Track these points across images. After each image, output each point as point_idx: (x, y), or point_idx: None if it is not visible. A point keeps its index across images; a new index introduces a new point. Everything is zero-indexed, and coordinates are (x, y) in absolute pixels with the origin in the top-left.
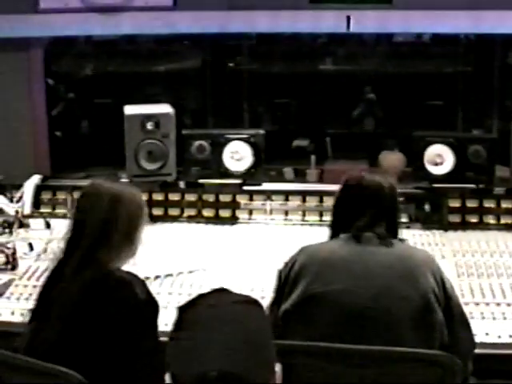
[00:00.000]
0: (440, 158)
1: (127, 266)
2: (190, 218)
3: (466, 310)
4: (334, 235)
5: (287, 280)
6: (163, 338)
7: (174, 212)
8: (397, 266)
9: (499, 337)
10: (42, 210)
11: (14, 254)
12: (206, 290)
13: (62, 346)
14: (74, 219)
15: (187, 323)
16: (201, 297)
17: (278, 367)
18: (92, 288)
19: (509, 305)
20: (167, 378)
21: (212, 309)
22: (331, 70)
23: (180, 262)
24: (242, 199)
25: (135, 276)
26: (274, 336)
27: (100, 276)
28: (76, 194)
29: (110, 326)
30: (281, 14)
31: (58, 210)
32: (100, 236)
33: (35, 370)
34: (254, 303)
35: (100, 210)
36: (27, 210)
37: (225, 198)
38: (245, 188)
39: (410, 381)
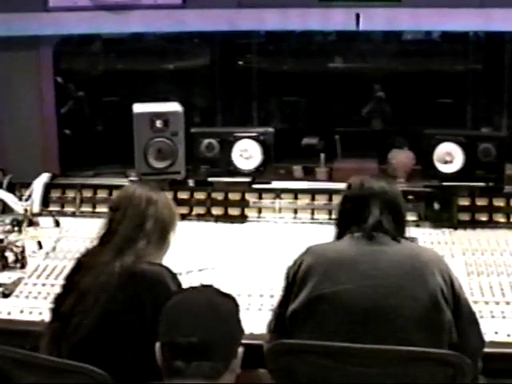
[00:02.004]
0: (450, 157)
1: None
2: (199, 217)
3: (476, 308)
4: (340, 235)
5: (295, 280)
6: None
7: (183, 210)
8: (405, 265)
9: (508, 335)
10: (51, 209)
11: (23, 252)
12: None
13: (97, 335)
14: (110, 216)
15: (173, 302)
16: (191, 287)
17: (240, 350)
18: (126, 278)
19: None
20: (156, 348)
21: (194, 292)
22: (340, 68)
23: (189, 260)
24: (251, 197)
25: (167, 268)
26: (242, 328)
27: (134, 267)
28: (85, 192)
29: (143, 317)
30: (290, 12)
31: (67, 209)
32: (136, 231)
33: (55, 368)
34: (230, 298)
35: (137, 209)
36: (36, 209)
37: (234, 196)
38: (254, 186)
39: (419, 380)
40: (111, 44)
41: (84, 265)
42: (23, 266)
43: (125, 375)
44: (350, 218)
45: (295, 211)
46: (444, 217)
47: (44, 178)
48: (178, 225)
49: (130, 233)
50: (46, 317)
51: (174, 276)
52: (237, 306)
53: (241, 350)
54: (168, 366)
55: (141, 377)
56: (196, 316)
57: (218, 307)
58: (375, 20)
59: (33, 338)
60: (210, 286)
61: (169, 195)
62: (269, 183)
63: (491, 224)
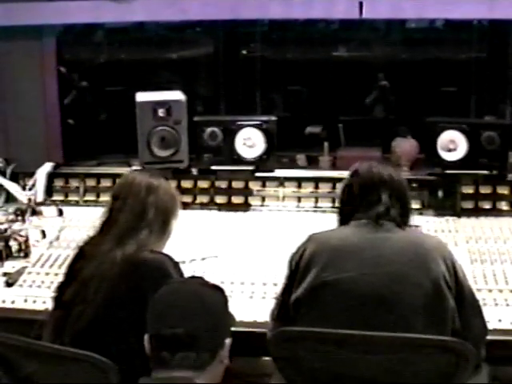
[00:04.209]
0: (453, 144)
1: None
2: (203, 205)
3: (479, 296)
4: (343, 222)
5: (298, 268)
6: None
7: (186, 199)
8: (408, 252)
9: None
10: (54, 198)
11: (26, 241)
12: (218, 276)
13: (98, 324)
14: (111, 205)
15: (159, 294)
16: (178, 279)
17: (228, 341)
18: (128, 267)
19: None
20: (145, 339)
21: (181, 284)
22: (344, 56)
23: (193, 249)
24: (254, 186)
25: (169, 257)
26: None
27: (135, 256)
28: (89, 181)
29: (144, 306)
30: (293, 1)
31: (70, 198)
32: (138, 219)
33: (59, 355)
34: (219, 289)
35: (138, 197)
36: (40, 198)
37: (237, 184)
38: (257, 175)
39: (422, 367)
40: (114, 33)
41: (86, 253)
42: (27, 255)
43: (127, 364)
44: (355, 204)
45: (299, 199)
46: (447, 205)
47: (47, 167)
48: (180, 212)
49: (131, 222)
50: (50, 306)
51: (175, 264)
52: (225, 297)
53: (228, 341)
54: (155, 358)
55: (143, 366)
56: (182, 307)
57: (204, 299)
58: (378, 8)
59: (37, 326)
60: (199, 278)
61: (172, 184)
62: (272, 171)
63: (495, 212)
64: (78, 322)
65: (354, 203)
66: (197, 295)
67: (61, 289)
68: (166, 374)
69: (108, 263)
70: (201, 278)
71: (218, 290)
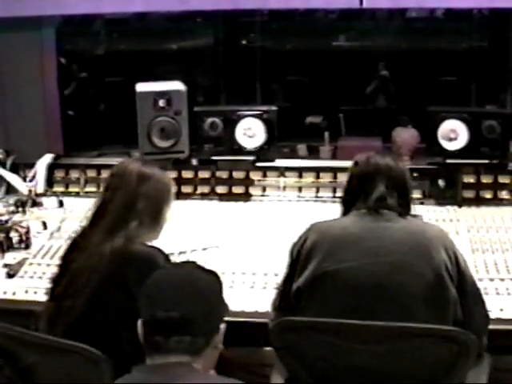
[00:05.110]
0: (454, 134)
1: None
2: (203, 196)
3: (481, 285)
4: (345, 211)
5: (299, 257)
6: None
7: (187, 189)
8: (409, 241)
9: None
10: (55, 189)
11: (27, 232)
12: (219, 267)
13: (87, 318)
14: (103, 195)
15: (153, 278)
16: (172, 264)
17: (222, 326)
18: (117, 259)
19: None
20: (138, 325)
21: (174, 268)
22: (344, 46)
23: (193, 239)
24: (255, 176)
25: (159, 250)
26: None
27: (124, 248)
28: (89, 172)
29: (133, 299)
30: None
31: (71, 189)
32: (127, 210)
33: (53, 347)
34: (213, 274)
35: (128, 186)
36: (40, 189)
37: (238, 174)
38: (258, 165)
39: (423, 357)
40: (114, 24)
41: (77, 245)
42: (28, 247)
43: (119, 357)
44: (355, 194)
45: (299, 189)
46: (448, 194)
47: (48, 158)
48: (175, 201)
49: (120, 213)
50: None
51: (166, 258)
52: (219, 282)
53: (223, 325)
54: (149, 343)
55: (135, 359)
56: (176, 291)
57: (198, 282)
58: None
59: (34, 318)
60: (192, 263)
61: (172, 174)
62: (273, 161)
63: (496, 201)
64: (69, 314)
65: (353, 193)
66: (191, 279)
67: (54, 280)
68: (162, 359)
69: (97, 256)
70: (194, 263)
71: (212, 274)
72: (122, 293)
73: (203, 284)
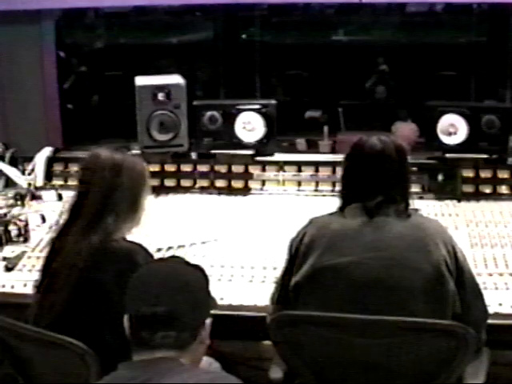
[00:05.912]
0: (453, 128)
1: (140, 238)
2: (202, 189)
3: (480, 280)
4: (344, 205)
5: (298, 252)
6: None
7: (186, 183)
8: (408, 236)
9: None
10: (54, 182)
11: (26, 226)
12: (218, 260)
13: (68, 316)
14: (77, 190)
15: (138, 273)
16: (158, 259)
17: (208, 320)
18: (94, 257)
19: None
20: (124, 320)
21: (160, 262)
22: (344, 40)
23: (192, 233)
24: (254, 170)
25: (139, 245)
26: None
27: (103, 245)
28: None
29: (111, 295)
30: None
31: (70, 182)
32: (103, 205)
33: (43, 340)
34: (198, 268)
35: (102, 179)
36: (39, 182)
37: (237, 168)
38: (257, 159)
39: (422, 351)
40: (114, 18)
41: (55, 245)
42: (26, 240)
43: (104, 353)
44: (352, 187)
45: (299, 183)
46: (448, 189)
47: (47, 151)
48: (150, 187)
49: (96, 208)
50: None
51: (146, 252)
52: (205, 276)
53: (209, 321)
54: (135, 339)
55: (121, 354)
56: (161, 286)
57: (183, 277)
58: None
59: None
60: (178, 257)
61: (172, 168)
62: (272, 155)
63: (495, 196)
64: (50, 313)
65: (351, 186)
66: (177, 274)
67: (40, 277)
68: (148, 355)
69: (74, 255)
70: (180, 258)
71: (198, 269)
72: (100, 291)
73: (189, 279)
